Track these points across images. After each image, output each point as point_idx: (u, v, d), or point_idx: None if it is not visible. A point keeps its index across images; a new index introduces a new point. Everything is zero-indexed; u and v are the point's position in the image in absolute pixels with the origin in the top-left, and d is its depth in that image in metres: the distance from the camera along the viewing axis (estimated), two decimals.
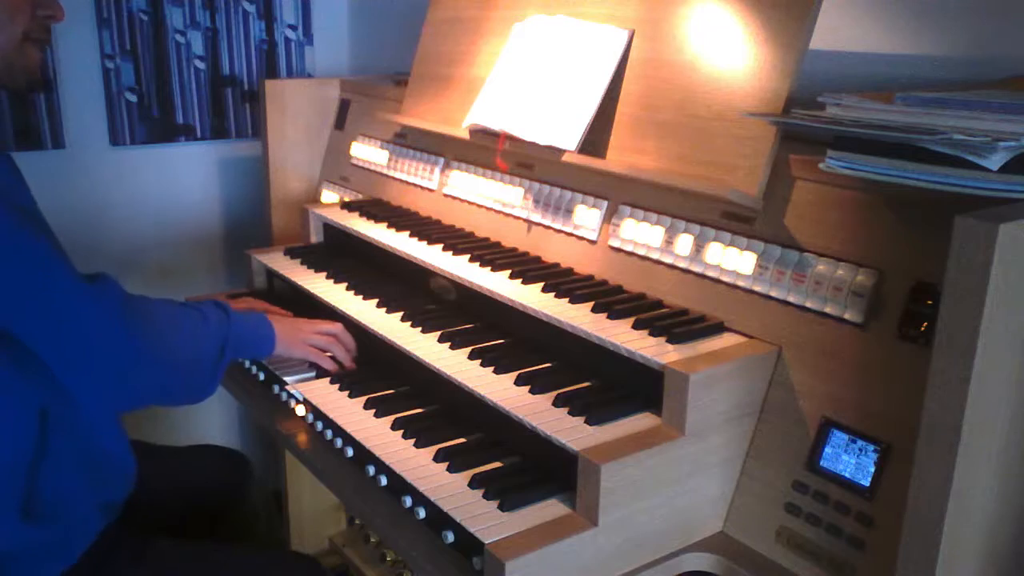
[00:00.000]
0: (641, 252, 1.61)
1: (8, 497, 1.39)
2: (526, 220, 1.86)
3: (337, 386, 1.69)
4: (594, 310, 1.52)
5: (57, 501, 1.44)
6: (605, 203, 1.70)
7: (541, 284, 1.64)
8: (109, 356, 1.38)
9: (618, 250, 1.66)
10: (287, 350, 1.71)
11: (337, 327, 1.77)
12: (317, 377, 1.75)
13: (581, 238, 1.74)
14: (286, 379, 1.75)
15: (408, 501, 1.36)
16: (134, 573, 1.51)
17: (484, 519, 1.26)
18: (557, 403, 1.39)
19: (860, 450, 1.25)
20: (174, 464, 1.89)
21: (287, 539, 2.51)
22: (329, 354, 1.75)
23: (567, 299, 1.57)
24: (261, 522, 2.00)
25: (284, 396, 1.76)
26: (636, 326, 1.45)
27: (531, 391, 1.44)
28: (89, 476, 1.49)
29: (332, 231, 2.26)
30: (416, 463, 1.42)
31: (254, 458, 3.10)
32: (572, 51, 1.75)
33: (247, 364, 1.89)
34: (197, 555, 1.60)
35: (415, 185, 2.21)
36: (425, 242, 1.91)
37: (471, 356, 1.56)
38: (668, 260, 1.56)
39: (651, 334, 1.42)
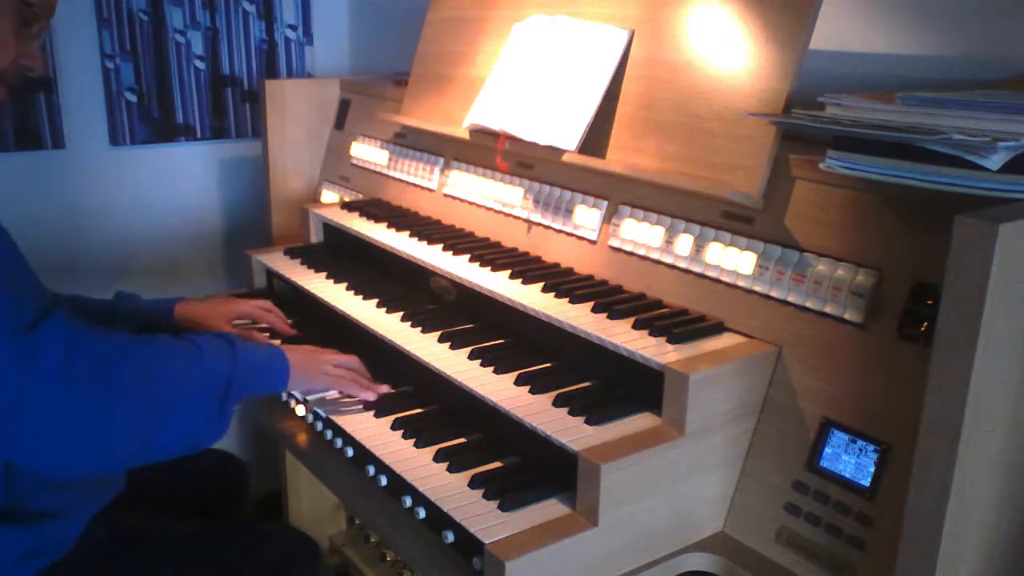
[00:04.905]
0: (641, 252, 1.61)
1: None
2: (526, 220, 1.86)
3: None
4: (594, 310, 1.52)
5: (35, 510, 1.37)
6: (605, 203, 1.70)
7: (541, 284, 1.64)
8: (52, 422, 1.17)
9: (618, 250, 1.66)
10: (305, 382, 1.54)
11: (353, 359, 1.63)
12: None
13: (581, 238, 1.74)
14: None
15: (408, 501, 1.36)
16: (127, 560, 1.49)
17: (484, 519, 1.26)
18: (557, 403, 1.39)
19: (860, 450, 1.25)
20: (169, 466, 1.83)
21: None
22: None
23: (567, 299, 1.57)
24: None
25: (284, 396, 1.76)
26: (636, 326, 1.45)
27: (531, 391, 1.44)
28: (67, 492, 1.41)
29: (332, 231, 2.26)
30: (416, 463, 1.42)
31: (254, 458, 3.11)
32: (572, 51, 1.75)
33: None
34: (190, 536, 1.57)
35: (415, 185, 2.21)
36: (425, 242, 1.91)
37: (471, 356, 1.56)
38: (668, 260, 1.56)
39: (651, 334, 1.42)
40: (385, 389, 1.63)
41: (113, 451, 1.28)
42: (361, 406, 1.60)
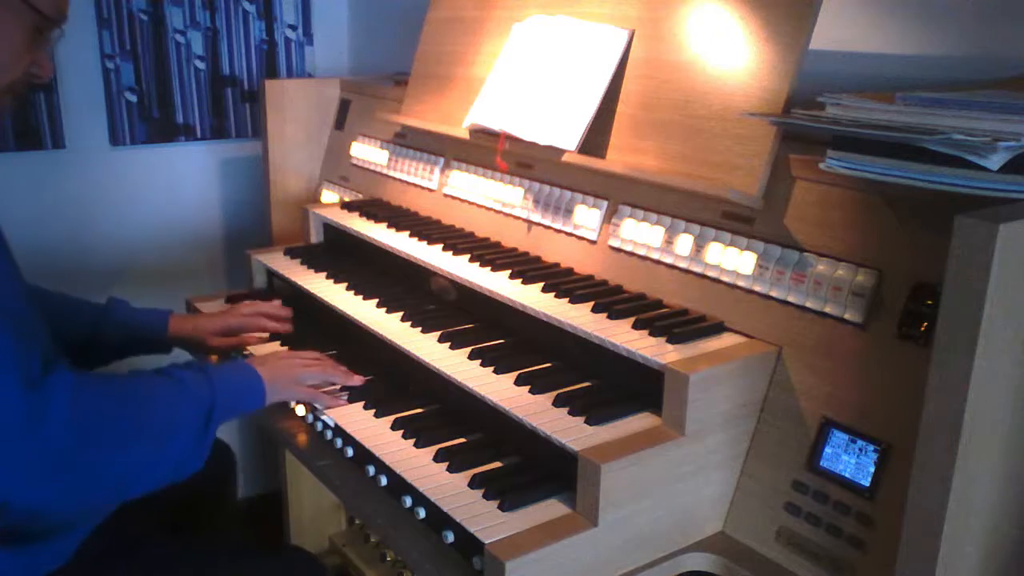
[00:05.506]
0: (641, 252, 1.61)
1: None
2: (526, 220, 1.86)
3: (337, 387, 1.68)
4: (594, 310, 1.52)
5: (32, 528, 1.37)
6: (605, 203, 1.70)
7: (541, 284, 1.64)
8: (54, 472, 1.22)
9: (618, 250, 1.66)
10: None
11: (325, 359, 1.66)
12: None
13: (581, 238, 1.74)
14: None
15: (408, 501, 1.36)
16: (124, 570, 1.50)
17: (484, 519, 1.26)
18: (557, 403, 1.39)
19: (860, 450, 1.25)
20: None
21: (287, 539, 2.51)
22: (324, 389, 1.62)
23: (567, 299, 1.57)
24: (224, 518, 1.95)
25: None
26: (636, 326, 1.45)
27: (531, 391, 1.44)
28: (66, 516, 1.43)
29: (332, 231, 2.26)
30: (416, 463, 1.42)
31: (254, 458, 3.11)
32: (572, 51, 1.75)
33: None
34: (191, 553, 1.58)
35: (415, 185, 2.21)
36: (425, 242, 1.91)
37: (471, 356, 1.56)
38: (668, 260, 1.56)
39: (651, 334, 1.42)
40: (359, 380, 1.64)
41: (109, 491, 1.35)
42: (361, 404, 1.60)
